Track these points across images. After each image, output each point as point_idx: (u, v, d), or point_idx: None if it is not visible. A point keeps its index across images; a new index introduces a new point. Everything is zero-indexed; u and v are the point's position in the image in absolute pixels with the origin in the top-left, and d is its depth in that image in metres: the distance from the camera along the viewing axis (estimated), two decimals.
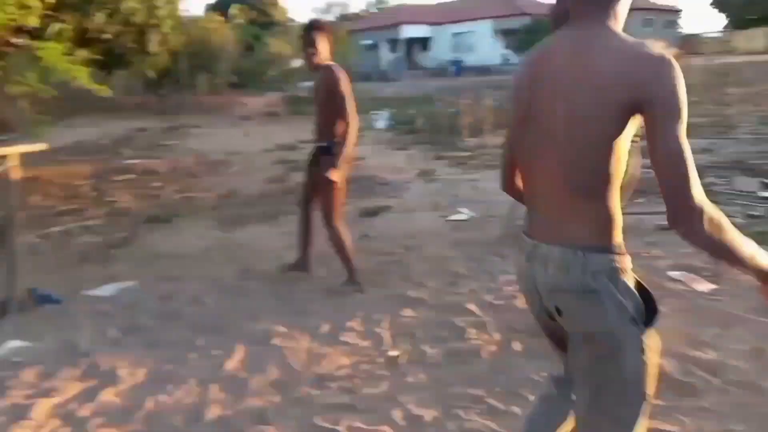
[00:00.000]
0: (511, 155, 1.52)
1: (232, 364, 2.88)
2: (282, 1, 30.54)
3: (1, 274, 3.95)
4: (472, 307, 3.41)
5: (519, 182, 1.51)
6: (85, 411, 2.54)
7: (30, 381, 2.81)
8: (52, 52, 6.28)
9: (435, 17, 36.26)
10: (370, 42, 33.88)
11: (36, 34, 6.33)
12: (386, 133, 10.98)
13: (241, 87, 18.50)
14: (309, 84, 23.87)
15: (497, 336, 3.05)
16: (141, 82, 16.42)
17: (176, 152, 9.54)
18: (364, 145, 9.52)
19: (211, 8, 26.12)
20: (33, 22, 5.99)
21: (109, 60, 7.79)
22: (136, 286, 4.01)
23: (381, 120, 11.85)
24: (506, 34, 31.80)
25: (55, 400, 2.64)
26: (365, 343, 3.07)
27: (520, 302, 3.40)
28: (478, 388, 2.58)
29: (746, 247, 1.21)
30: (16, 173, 3.75)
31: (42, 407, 2.57)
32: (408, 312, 3.41)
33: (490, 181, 6.61)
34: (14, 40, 6.57)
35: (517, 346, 2.94)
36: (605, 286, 1.24)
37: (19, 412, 2.54)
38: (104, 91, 6.49)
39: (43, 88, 6.35)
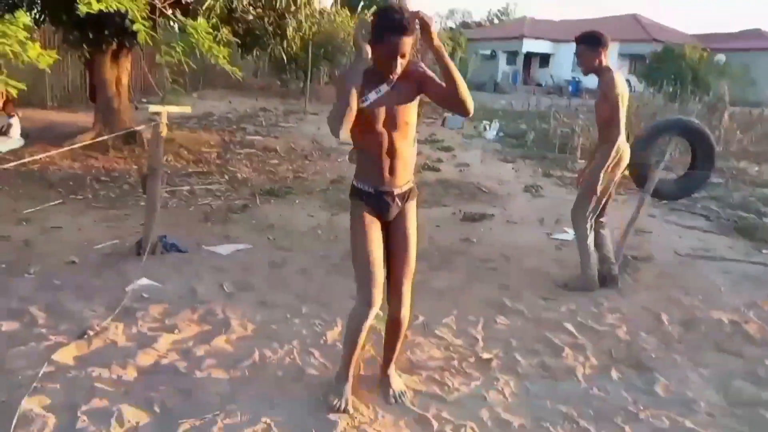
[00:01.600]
0: None
1: (332, 335, 3.04)
2: (408, 3, 30.80)
3: (139, 218, 4.40)
4: (570, 327, 3.36)
5: None
6: (200, 351, 2.80)
7: (155, 316, 3.13)
8: (200, 28, 6.78)
9: (558, 34, 35.25)
10: (488, 52, 33.60)
11: (188, 9, 6.91)
12: (494, 143, 10.90)
13: None
14: None
15: (594, 360, 2.99)
16: (268, 66, 17.37)
17: (294, 134, 10.04)
18: (471, 152, 9.53)
19: (340, 3, 27.00)
20: None
21: (248, 41, 8.32)
22: (250, 249, 4.31)
23: (491, 130, 11.78)
24: (632, 58, 30.36)
25: (176, 336, 2.93)
26: (458, 341, 3.13)
27: (623, 332, 3.32)
28: (569, 407, 2.56)
29: None
30: (164, 130, 4.15)
31: (164, 340, 2.86)
32: (503, 319, 3.42)
33: None
34: (169, 12, 7.19)
35: (614, 374, 2.87)
36: None
37: (146, 341, 2.84)
38: (237, 72, 6.96)
39: (187, 61, 6.89)
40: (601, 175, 3.69)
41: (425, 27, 2.15)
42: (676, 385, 2.79)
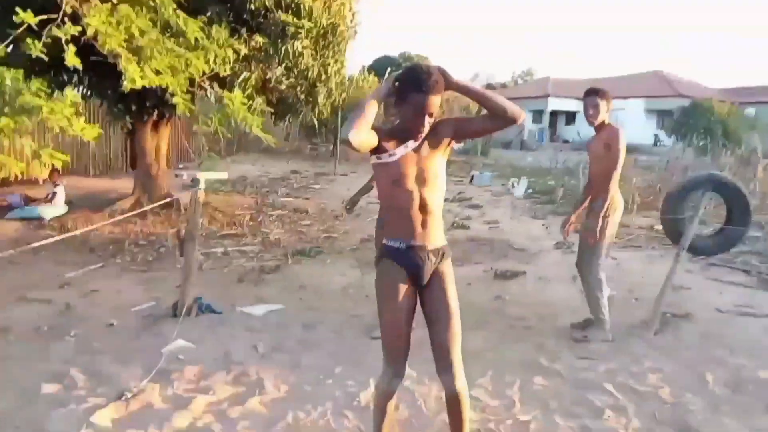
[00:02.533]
0: None
1: (365, 397, 3.00)
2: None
3: (175, 280, 4.50)
4: (610, 387, 3.26)
5: None
6: (234, 413, 2.80)
7: (191, 378, 3.16)
8: (236, 99, 7.11)
9: (582, 91, 35.64)
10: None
11: (225, 81, 7.28)
12: (523, 200, 10.91)
13: None
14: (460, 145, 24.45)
15: (637, 423, 2.88)
16: (299, 131, 17.98)
17: (324, 195, 10.25)
18: (501, 209, 9.54)
19: (367, 69, 28.06)
20: (226, 71, 6.90)
21: (281, 108, 8.68)
22: (283, 310, 4.35)
23: (519, 187, 11.82)
24: (659, 114, 30.42)
25: (211, 398, 2.94)
26: (494, 403, 3.05)
27: (666, 393, 3.20)
28: None
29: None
30: (202, 196, 4.31)
31: (199, 402, 2.88)
32: (540, 380, 3.34)
33: (634, 261, 6.30)
34: (207, 86, 7.57)
35: None
36: None
37: (182, 403, 2.86)
38: (270, 139, 7.21)
39: (223, 131, 7.16)
40: (601, 221, 3.79)
41: (446, 77, 2.17)
42: None
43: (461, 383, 2.23)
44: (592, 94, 3.93)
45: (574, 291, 5.12)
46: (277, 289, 4.91)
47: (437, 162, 2.24)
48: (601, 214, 3.79)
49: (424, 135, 2.21)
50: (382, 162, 2.21)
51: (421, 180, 2.21)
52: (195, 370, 3.24)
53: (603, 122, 3.89)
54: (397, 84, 2.16)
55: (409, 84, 2.13)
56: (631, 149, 21.38)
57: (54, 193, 7.78)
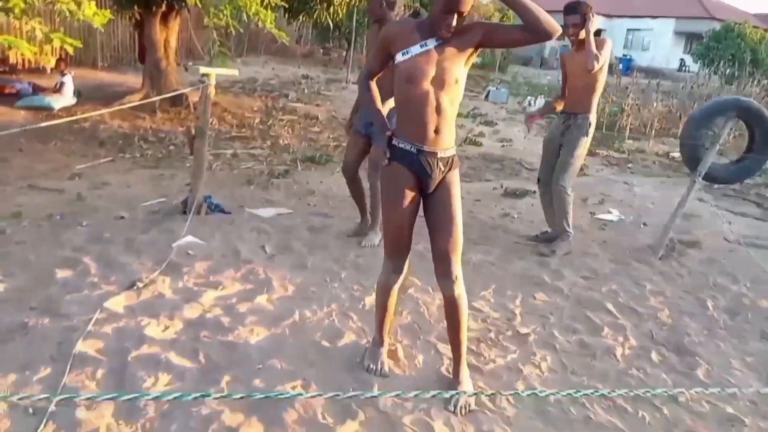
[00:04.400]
0: None
1: (370, 300, 3.07)
2: None
3: (184, 178, 4.50)
4: (610, 306, 3.32)
5: None
6: (242, 307, 2.88)
7: (200, 272, 3.22)
8: None
9: (610, 8, 33.95)
10: None
11: None
12: (539, 120, 10.68)
13: None
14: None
15: (634, 341, 2.95)
16: (311, 33, 17.32)
17: (335, 103, 10.04)
18: (515, 127, 9.36)
19: None
20: None
21: (295, 5, 8.29)
22: (291, 214, 4.37)
23: (536, 106, 11.52)
24: (689, 37, 29.08)
25: (220, 292, 3.01)
26: (495, 314, 3.12)
27: (665, 315, 3.26)
28: (606, 385, 2.55)
29: None
30: (212, 92, 4.20)
31: (209, 296, 2.95)
32: (542, 296, 3.40)
33: (646, 187, 6.25)
34: None
35: (654, 356, 2.83)
36: None
37: (192, 295, 2.93)
38: (284, 36, 6.92)
39: (234, 24, 6.89)
40: (582, 138, 3.89)
41: None
42: (718, 370, 2.74)
43: (459, 288, 2.27)
44: (572, 12, 3.77)
45: (584, 213, 5.12)
46: (285, 193, 4.92)
47: (458, 66, 2.15)
48: (585, 132, 3.87)
49: (449, 34, 2.09)
50: (397, 62, 2.15)
51: (438, 82, 2.12)
52: (204, 265, 3.30)
53: (586, 38, 3.74)
54: None
55: None
56: (655, 73, 20.63)
57: (62, 83, 7.65)
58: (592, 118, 3.91)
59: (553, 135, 4.08)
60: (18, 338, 2.43)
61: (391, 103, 3.61)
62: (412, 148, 2.19)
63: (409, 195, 2.24)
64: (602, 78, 3.84)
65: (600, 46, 3.72)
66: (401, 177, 2.22)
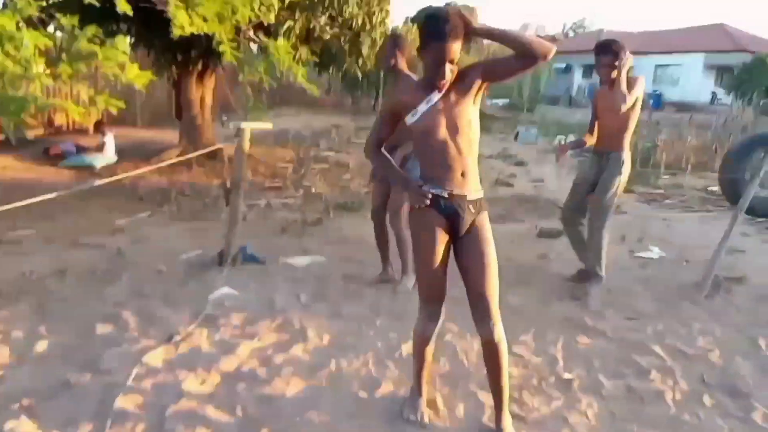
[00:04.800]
0: None
1: (406, 348, 3.01)
2: (479, 17, 30.73)
3: (220, 230, 4.59)
4: (657, 349, 3.18)
5: None
6: (278, 359, 2.87)
7: (236, 324, 3.24)
8: (281, 48, 7.02)
9: (637, 46, 33.92)
10: (563, 65, 32.86)
11: (269, 30, 7.20)
12: (570, 158, 10.60)
13: None
14: (496, 101, 23.83)
15: (684, 385, 2.81)
16: (341, 84, 17.80)
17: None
18: (547, 167, 9.30)
19: (411, 20, 27.37)
20: (270, 19, 6.80)
21: (325, 59, 8.57)
22: (325, 261, 4.39)
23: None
24: (719, 70, 28.76)
25: (256, 344, 3.01)
26: (537, 360, 3.03)
27: (715, 356, 3.11)
28: None
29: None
30: (246, 145, 4.32)
31: (245, 347, 2.95)
32: (584, 339, 3.29)
33: (686, 223, 6.08)
34: (252, 34, 7.49)
35: (707, 400, 2.68)
36: None
37: (228, 348, 2.94)
38: (314, 89, 7.14)
39: (268, 80, 7.11)
40: (616, 177, 3.83)
41: (465, 21, 2.07)
42: None
43: (498, 332, 2.23)
44: (605, 52, 3.72)
45: (623, 251, 4.99)
46: (319, 241, 4.95)
47: (468, 109, 2.18)
48: (619, 170, 3.82)
49: (447, 84, 2.14)
50: (408, 123, 2.20)
51: (452, 129, 2.16)
52: (240, 316, 3.31)
53: (618, 77, 3.68)
54: (418, 34, 2.11)
55: (426, 32, 2.06)
56: (687, 107, 20.46)
57: (104, 142, 7.99)
58: (626, 156, 3.85)
59: (587, 174, 4.03)
60: (61, 395, 2.47)
61: (409, 146, 3.68)
62: (443, 192, 2.20)
63: (442, 239, 2.24)
64: (634, 116, 3.80)
65: (632, 84, 3.67)
66: (433, 219, 2.23)
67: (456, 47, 2.05)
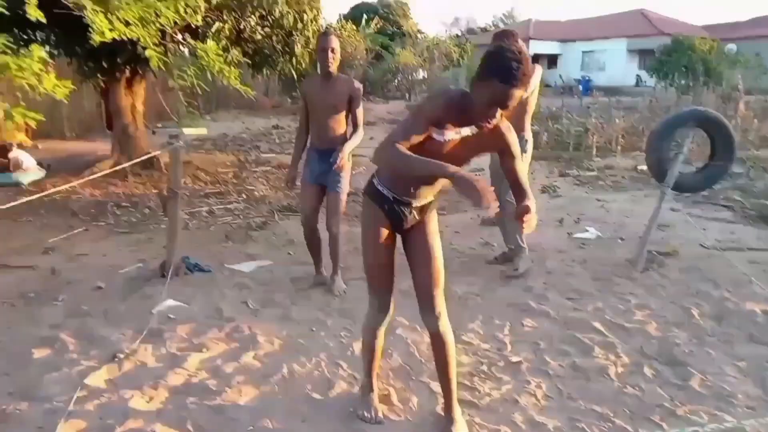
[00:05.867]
0: None
1: (358, 346, 3.01)
2: (412, 14, 31.05)
3: (161, 241, 4.45)
4: (598, 325, 3.32)
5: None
6: (229, 368, 2.81)
7: (183, 336, 3.15)
8: (210, 51, 6.85)
9: (565, 34, 35.22)
10: None
11: (197, 33, 7.02)
12: None
13: (367, 94, 19.17)
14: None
15: (626, 358, 2.95)
16: (278, 85, 17.55)
17: None
18: (484, 157, 9.50)
19: (344, 17, 27.30)
20: (197, 21, 6.62)
21: (258, 60, 8.42)
22: (272, 265, 4.33)
23: None
24: (641, 53, 30.14)
25: (205, 355, 2.94)
26: (486, 346, 3.10)
27: (653, 328, 3.27)
28: (604, 407, 2.53)
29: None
30: (182, 152, 4.20)
31: (194, 359, 2.88)
32: (530, 322, 3.39)
33: (618, 202, 6.35)
34: (179, 37, 7.27)
35: (647, 371, 2.83)
36: None
37: (176, 361, 2.86)
38: (249, 91, 7.00)
39: (199, 84, 6.94)
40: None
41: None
42: (712, 379, 2.74)
43: (444, 325, 2.25)
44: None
45: (561, 234, 5.17)
46: (264, 245, 4.88)
47: (474, 155, 2.08)
48: (524, 149, 3.97)
49: (490, 127, 1.94)
50: (429, 135, 2.00)
51: (453, 162, 1.97)
52: (187, 328, 3.23)
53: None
54: (482, 62, 1.89)
55: (494, 69, 1.82)
56: (613, 90, 21.24)
57: (16, 158, 7.51)
58: (528, 135, 4.09)
59: (495, 159, 4.14)
60: None
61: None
62: (390, 195, 2.20)
63: (385, 228, 2.25)
64: (533, 101, 4.04)
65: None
66: (377, 215, 2.24)
67: (519, 95, 1.85)
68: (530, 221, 1.90)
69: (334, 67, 3.64)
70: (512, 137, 2.05)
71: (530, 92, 3.90)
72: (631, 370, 2.84)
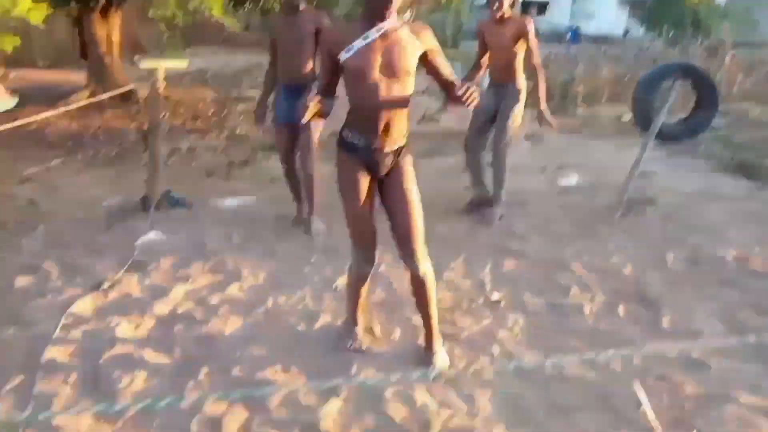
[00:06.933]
0: None
1: (342, 281, 3.07)
2: None
3: (141, 175, 4.39)
4: (575, 267, 3.41)
5: None
6: (214, 299, 2.85)
7: (167, 268, 3.17)
8: None
9: None
10: (484, 1, 32.76)
11: None
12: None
13: None
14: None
15: (601, 297, 3.05)
16: (260, 20, 16.95)
17: None
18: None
19: None
20: None
21: None
22: (254, 202, 4.32)
23: (486, 77, 11.58)
24: (632, 4, 29.65)
25: (189, 286, 2.97)
26: (466, 284, 3.18)
27: (628, 270, 3.37)
28: (579, 341, 2.63)
29: None
30: (162, 86, 4.08)
31: (178, 291, 2.91)
32: (510, 263, 3.47)
33: (602, 150, 6.40)
34: None
35: (621, 310, 2.93)
36: None
37: (161, 292, 2.89)
38: (234, 23, 6.75)
39: (180, 15, 6.67)
40: (516, 107, 4.05)
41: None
42: (681, 318, 2.86)
43: (423, 267, 2.26)
44: None
45: (543, 179, 5.22)
46: (247, 182, 4.85)
47: (408, 58, 2.06)
48: (517, 99, 4.03)
49: (388, 23, 2.00)
50: (343, 61, 2.05)
51: (388, 75, 2.05)
52: (171, 260, 3.24)
53: (505, 15, 3.92)
54: None
55: None
56: (600, 40, 20.85)
57: None
58: (522, 84, 4.08)
59: (486, 104, 4.08)
60: None
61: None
62: (359, 142, 2.16)
63: (363, 180, 2.21)
64: (520, 52, 4.00)
65: (520, 22, 3.90)
66: (352, 165, 2.20)
67: None
68: (472, 93, 1.95)
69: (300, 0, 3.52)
70: (436, 50, 2.13)
71: (518, 41, 3.87)
72: (606, 309, 2.94)
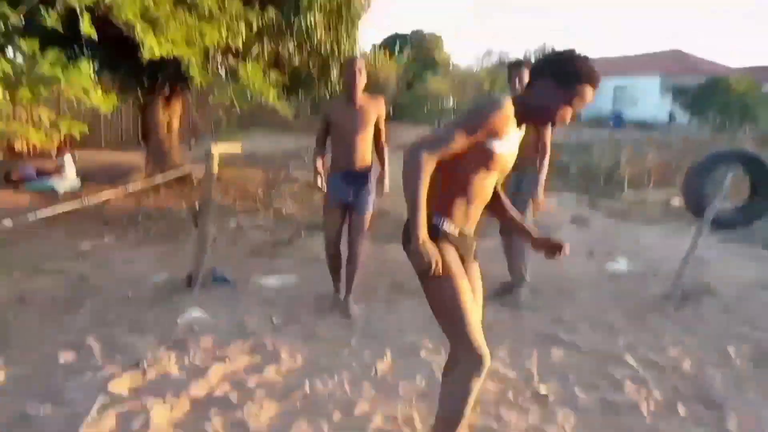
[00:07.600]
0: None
1: (382, 367, 2.98)
2: (446, 46, 31.41)
3: (189, 253, 4.49)
4: (630, 360, 3.21)
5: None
6: (251, 382, 2.79)
7: (207, 347, 3.14)
8: (252, 71, 7.01)
9: (598, 68, 34.99)
10: None
11: (238, 54, 7.19)
12: None
13: (398, 119, 19.35)
14: None
15: (659, 395, 2.83)
16: (309, 106, 17.83)
17: None
18: None
19: (378, 47, 27.72)
20: (238, 44, 6.81)
21: (294, 84, 8.56)
22: (297, 281, 4.33)
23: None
24: (676, 92, 29.84)
25: (227, 367, 2.93)
26: (512, 374, 3.02)
27: (687, 366, 3.15)
28: None
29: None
30: (215, 167, 4.26)
31: (216, 371, 2.87)
32: (559, 353, 3.30)
33: (651, 235, 6.21)
34: (221, 58, 7.45)
35: (681, 409, 2.71)
36: None
37: (198, 372, 2.85)
38: (286, 109, 7.12)
39: (240, 102, 7.07)
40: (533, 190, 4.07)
41: None
42: (749, 422, 2.61)
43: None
44: (521, 66, 3.97)
45: (592, 265, 5.06)
46: (290, 261, 4.89)
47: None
48: (538, 183, 4.04)
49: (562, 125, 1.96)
50: (489, 147, 1.89)
51: (502, 170, 2.02)
52: (211, 340, 3.22)
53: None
54: (553, 64, 1.91)
55: (579, 72, 1.86)
56: (646, 127, 21.01)
57: (62, 164, 7.79)
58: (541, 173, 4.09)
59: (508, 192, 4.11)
60: (18, 428, 2.34)
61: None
62: (456, 232, 2.01)
63: (462, 269, 2.01)
64: (549, 135, 4.08)
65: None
66: (454, 254, 2.00)
67: None
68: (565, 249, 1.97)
69: (360, 89, 3.61)
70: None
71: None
72: (664, 408, 2.72)
